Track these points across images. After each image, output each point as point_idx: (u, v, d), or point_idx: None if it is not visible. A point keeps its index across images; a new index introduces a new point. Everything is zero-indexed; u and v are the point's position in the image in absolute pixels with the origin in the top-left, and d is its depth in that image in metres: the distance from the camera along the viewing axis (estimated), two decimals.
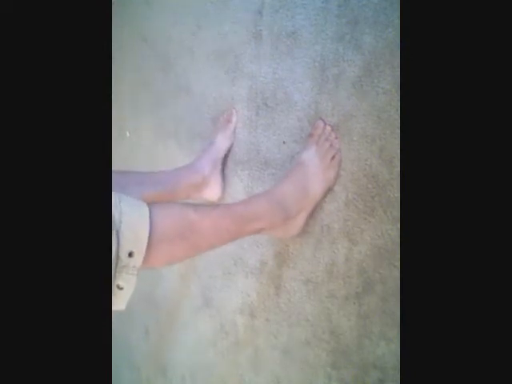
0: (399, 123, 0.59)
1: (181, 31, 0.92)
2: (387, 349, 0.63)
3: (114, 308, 0.46)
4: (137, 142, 1.10)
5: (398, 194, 0.60)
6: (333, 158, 0.66)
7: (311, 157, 0.66)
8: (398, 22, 0.57)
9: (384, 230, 0.62)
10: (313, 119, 0.69)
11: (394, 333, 0.62)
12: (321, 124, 0.67)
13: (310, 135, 0.68)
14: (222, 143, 0.81)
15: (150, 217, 0.46)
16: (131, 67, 1.09)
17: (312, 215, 0.70)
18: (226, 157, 0.83)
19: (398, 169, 0.60)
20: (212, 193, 0.81)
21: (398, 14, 0.57)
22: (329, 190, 0.68)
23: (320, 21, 0.66)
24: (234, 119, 0.81)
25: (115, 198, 0.44)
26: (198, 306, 0.96)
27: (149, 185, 0.68)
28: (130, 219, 0.44)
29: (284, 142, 0.73)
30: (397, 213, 0.60)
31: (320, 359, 0.72)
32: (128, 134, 1.13)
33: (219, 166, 0.81)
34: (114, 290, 0.45)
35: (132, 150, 1.12)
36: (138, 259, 0.45)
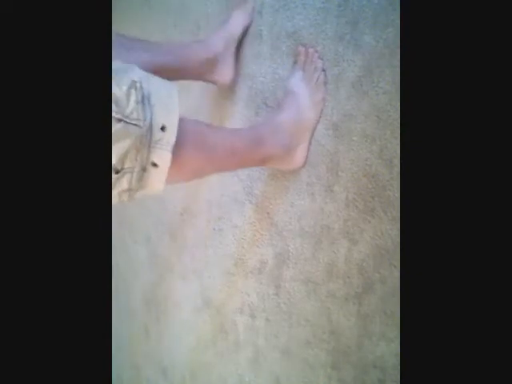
0: (399, 123, 0.59)
1: (181, 31, 0.93)
2: (387, 349, 0.63)
3: (152, 190, 0.46)
4: None
5: (397, 194, 0.60)
6: (317, 79, 0.66)
7: (298, 83, 0.67)
8: (398, 22, 0.57)
9: (384, 230, 0.62)
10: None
11: (394, 333, 0.62)
12: (302, 49, 0.67)
13: (294, 62, 0.68)
14: (238, 21, 0.75)
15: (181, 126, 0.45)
16: None
17: (312, 143, 0.70)
18: (242, 37, 0.77)
19: (397, 169, 0.60)
20: (223, 74, 0.75)
21: (398, 14, 0.57)
22: (321, 112, 0.68)
23: (320, 21, 0.66)
24: None
25: (139, 72, 0.44)
26: (198, 306, 0.96)
27: (157, 53, 0.64)
28: (159, 93, 0.43)
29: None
30: (397, 213, 0.60)
31: (320, 359, 0.72)
32: None
33: (233, 46, 0.75)
34: (150, 168, 0.44)
35: None
36: (170, 134, 0.44)
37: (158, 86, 0.45)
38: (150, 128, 0.43)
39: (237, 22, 0.75)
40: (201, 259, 0.94)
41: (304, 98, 0.66)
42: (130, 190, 0.44)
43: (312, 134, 0.69)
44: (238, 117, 0.81)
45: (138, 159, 0.43)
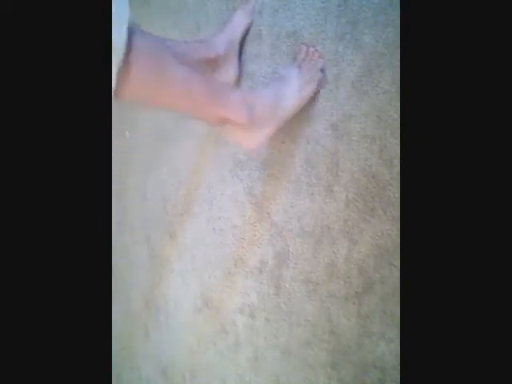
0: (399, 123, 0.59)
1: (181, 31, 0.92)
2: (387, 349, 0.63)
3: None
4: (137, 142, 1.10)
5: (397, 194, 0.60)
6: (312, 77, 0.66)
7: (291, 74, 0.66)
8: (398, 21, 0.57)
9: (384, 230, 0.62)
10: (312, 119, 0.69)
11: (394, 333, 0.62)
12: (303, 47, 0.67)
13: (294, 58, 0.68)
14: (239, 21, 0.75)
15: (132, 40, 0.46)
16: None
17: (276, 135, 0.68)
18: (244, 37, 0.76)
19: (397, 169, 0.60)
20: (227, 74, 0.75)
21: (397, 13, 0.57)
22: (298, 108, 0.67)
23: (320, 21, 0.66)
24: None
25: None
26: (198, 306, 0.96)
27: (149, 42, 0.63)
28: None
29: (283, 142, 0.73)
30: (397, 213, 0.60)
31: (320, 359, 0.72)
32: (128, 134, 1.13)
33: (236, 46, 0.75)
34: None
35: (132, 150, 1.12)
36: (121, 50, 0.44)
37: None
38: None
39: (238, 22, 0.75)
40: (201, 259, 0.94)
41: (290, 89, 0.66)
42: None
43: (280, 125, 0.66)
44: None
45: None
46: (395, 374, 0.63)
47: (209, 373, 0.97)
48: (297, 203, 0.73)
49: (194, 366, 1.02)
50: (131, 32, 0.46)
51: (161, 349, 1.12)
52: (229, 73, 0.75)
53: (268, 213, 0.78)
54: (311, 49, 0.67)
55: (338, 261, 0.68)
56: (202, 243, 0.94)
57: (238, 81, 0.77)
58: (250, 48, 0.77)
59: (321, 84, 0.67)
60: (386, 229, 0.62)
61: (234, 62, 0.75)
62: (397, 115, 0.59)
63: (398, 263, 0.61)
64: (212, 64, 0.71)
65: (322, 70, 0.66)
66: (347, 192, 0.66)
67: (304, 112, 0.70)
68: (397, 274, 0.61)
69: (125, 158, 1.14)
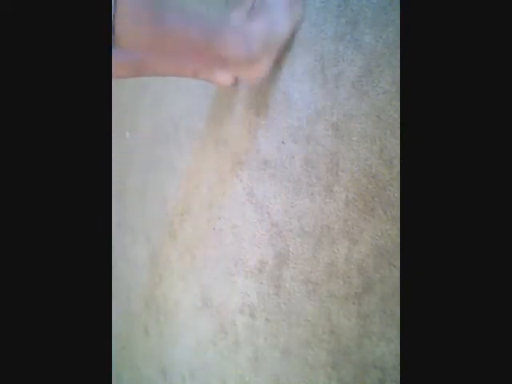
0: (399, 123, 0.59)
1: None
2: (387, 349, 0.63)
3: None
4: (137, 142, 1.10)
5: (398, 194, 0.60)
6: None
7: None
8: (398, 21, 0.57)
9: (384, 230, 0.62)
10: (312, 119, 0.69)
11: (394, 333, 0.62)
12: None
13: None
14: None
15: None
16: None
17: (277, 60, 0.69)
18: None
19: (398, 169, 0.60)
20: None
21: (397, 13, 0.57)
22: (294, 28, 0.67)
23: (319, 21, 0.66)
24: None
25: None
26: (198, 306, 0.96)
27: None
28: None
29: (283, 143, 0.73)
30: (397, 213, 0.60)
31: (320, 359, 0.72)
32: (128, 135, 1.13)
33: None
34: None
35: (132, 150, 1.12)
36: None
37: None
38: None
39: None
40: (201, 259, 0.94)
41: (278, 12, 0.65)
42: None
43: (280, 50, 0.67)
44: (238, 117, 0.81)
45: None
46: (395, 374, 0.63)
47: (209, 372, 0.97)
48: (297, 203, 0.73)
49: (194, 365, 1.02)
50: None
51: (161, 349, 1.12)
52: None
53: (268, 213, 0.78)
54: None
55: (337, 261, 0.68)
56: (202, 243, 0.94)
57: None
58: None
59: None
60: (386, 229, 0.62)
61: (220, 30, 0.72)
62: (397, 115, 0.59)
63: (397, 263, 0.61)
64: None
65: None
66: (347, 192, 0.66)
67: (304, 112, 0.70)
68: (397, 273, 0.61)
69: (125, 158, 1.14)
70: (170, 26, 0.53)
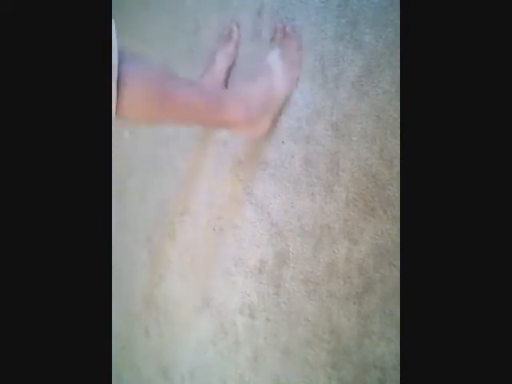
0: (399, 123, 0.59)
1: (180, 32, 0.92)
2: (387, 349, 0.63)
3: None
4: (137, 143, 1.10)
5: (398, 194, 0.60)
6: (294, 57, 0.68)
7: (275, 59, 0.68)
8: (397, 21, 0.57)
9: (384, 230, 0.62)
10: (312, 119, 0.69)
11: (394, 333, 0.62)
12: (279, 26, 0.69)
13: (271, 39, 0.70)
14: (222, 61, 0.77)
15: (125, 68, 0.48)
16: None
17: (277, 119, 0.72)
18: (228, 76, 0.78)
19: (397, 168, 0.60)
20: (223, 113, 0.74)
21: (397, 13, 0.57)
22: (291, 90, 0.69)
23: (319, 21, 0.66)
24: (236, 36, 0.77)
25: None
26: (198, 306, 0.96)
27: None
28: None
29: (283, 143, 0.73)
30: (397, 212, 0.60)
31: (320, 359, 0.72)
32: (127, 135, 1.13)
33: (220, 86, 0.77)
34: None
35: (132, 151, 1.12)
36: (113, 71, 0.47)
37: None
38: None
39: (222, 64, 0.77)
40: (201, 259, 0.94)
41: (278, 74, 0.67)
42: None
43: (279, 110, 0.70)
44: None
45: None
46: (395, 374, 0.63)
47: (209, 372, 0.97)
48: (297, 203, 0.73)
49: (194, 365, 1.02)
50: (122, 57, 0.49)
51: (161, 349, 1.12)
52: (226, 110, 0.74)
53: (268, 213, 0.78)
54: (288, 27, 0.68)
55: (338, 260, 0.68)
56: (202, 243, 0.94)
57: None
58: (249, 48, 0.77)
59: (302, 62, 0.68)
60: (386, 228, 0.62)
61: (225, 99, 0.73)
62: (397, 115, 0.59)
63: (397, 263, 0.61)
64: (205, 102, 0.72)
65: (301, 48, 0.68)
66: (347, 192, 0.66)
67: (304, 112, 0.70)
68: (397, 273, 0.61)
69: (125, 158, 1.14)
70: (177, 101, 0.57)
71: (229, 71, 0.78)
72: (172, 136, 0.98)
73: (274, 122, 0.72)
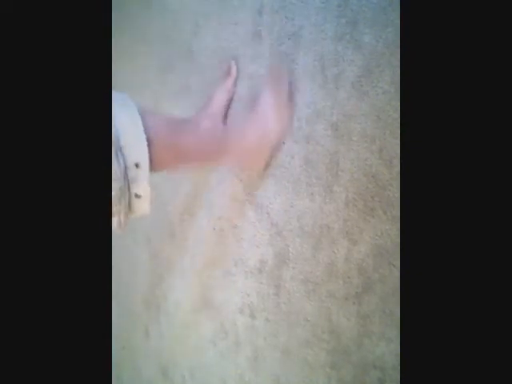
0: (399, 123, 0.59)
1: (180, 31, 0.92)
2: (387, 349, 0.63)
3: (139, 214, 0.53)
4: None
5: (397, 194, 0.60)
6: (281, 99, 0.69)
7: (264, 98, 0.70)
8: (397, 21, 0.57)
9: (384, 230, 0.62)
10: (312, 119, 0.69)
11: (394, 333, 0.62)
12: (273, 66, 0.71)
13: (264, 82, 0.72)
14: (220, 97, 0.78)
15: (147, 131, 0.50)
16: (131, 67, 1.09)
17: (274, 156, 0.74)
18: (227, 110, 0.79)
19: (397, 169, 0.60)
20: (219, 146, 0.76)
21: (397, 13, 0.57)
22: (285, 131, 0.71)
23: (319, 21, 0.66)
24: (234, 72, 0.78)
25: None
26: (198, 306, 0.96)
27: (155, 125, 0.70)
28: (126, 132, 0.47)
29: (283, 143, 0.73)
30: (396, 212, 0.60)
31: (319, 359, 0.72)
32: None
33: (221, 121, 0.77)
34: (133, 199, 0.50)
35: None
36: (145, 168, 0.49)
37: (123, 124, 0.48)
38: (125, 172, 0.46)
39: (220, 99, 0.78)
40: (201, 259, 0.94)
41: (270, 115, 0.69)
42: (119, 224, 0.51)
43: (274, 150, 0.72)
44: (237, 117, 0.81)
45: (122, 202, 0.48)
46: (395, 374, 0.63)
47: (208, 372, 0.97)
48: (296, 203, 0.73)
49: (194, 365, 1.02)
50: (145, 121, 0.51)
51: (161, 349, 1.12)
52: (220, 143, 0.77)
53: (268, 213, 0.78)
54: (275, 65, 0.71)
55: (337, 261, 0.68)
56: (202, 243, 0.94)
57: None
58: (249, 48, 0.77)
59: (292, 99, 0.70)
60: (386, 229, 0.62)
61: (223, 134, 0.75)
62: (396, 115, 0.59)
63: (397, 263, 0.61)
64: (203, 138, 0.75)
65: (291, 83, 0.69)
66: (347, 192, 0.66)
67: (304, 112, 0.70)
68: (396, 273, 0.61)
69: None
70: (188, 150, 0.61)
71: (228, 106, 0.79)
72: None
73: (267, 162, 0.74)
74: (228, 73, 0.79)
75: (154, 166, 0.52)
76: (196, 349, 1.00)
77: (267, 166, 0.75)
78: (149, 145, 0.50)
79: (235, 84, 0.79)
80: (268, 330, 0.81)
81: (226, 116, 0.79)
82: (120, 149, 0.46)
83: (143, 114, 0.52)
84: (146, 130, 0.50)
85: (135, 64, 1.07)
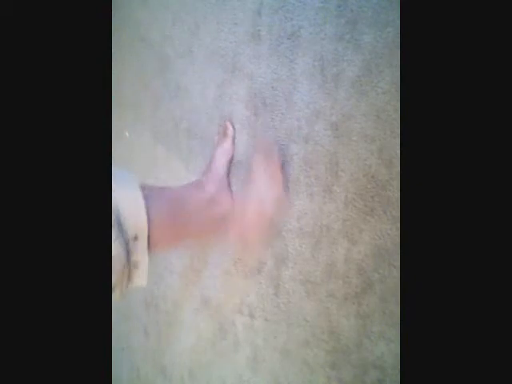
0: (399, 123, 0.59)
1: (180, 31, 0.92)
2: (386, 349, 0.63)
3: (136, 284, 0.53)
4: (136, 142, 1.10)
5: (397, 194, 0.60)
6: (277, 167, 0.71)
7: (258, 173, 0.72)
8: (397, 21, 0.57)
9: (383, 230, 0.62)
10: (311, 119, 0.69)
11: (394, 333, 0.62)
12: (260, 141, 0.74)
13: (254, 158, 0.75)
14: (221, 158, 0.81)
15: (147, 206, 0.51)
16: (130, 67, 1.09)
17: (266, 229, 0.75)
18: (229, 169, 0.82)
19: (397, 169, 0.60)
20: (222, 207, 0.81)
21: (397, 13, 0.57)
22: (280, 202, 0.73)
23: (319, 21, 0.66)
24: (230, 132, 0.81)
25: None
26: (198, 306, 0.96)
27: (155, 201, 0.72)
28: (126, 207, 0.48)
29: (282, 143, 0.73)
30: (396, 213, 0.60)
31: (319, 359, 0.72)
32: (127, 134, 1.13)
33: (225, 182, 0.81)
34: (131, 268, 0.51)
35: (131, 150, 1.12)
36: (143, 240, 0.50)
37: (124, 200, 0.49)
38: (126, 246, 0.47)
39: (221, 161, 0.81)
40: (200, 259, 0.94)
41: (262, 187, 0.71)
42: (121, 293, 0.52)
43: (269, 220, 0.73)
44: (237, 117, 0.81)
45: (125, 273, 0.50)
46: (395, 374, 0.63)
47: (208, 372, 0.97)
48: (296, 203, 0.73)
49: (193, 365, 1.02)
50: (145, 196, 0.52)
51: (160, 349, 1.12)
52: (223, 206, 0.80)
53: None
54: (263, 139, 0.74)
55: (337, 261, 0.68)
56: (202, 243, 0.94)
57: (232, 209, 0.84)
58: (248, 48, 0.77)
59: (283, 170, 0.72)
60: (386, 229, 0.62)
61: (227, 195, 0.80)
62: (396, 115, 0.59)
63: (397, 263, 0.61)
64: (208, 202, 0.78)
65: (280, 153, 0.71)
66: (346, 192, 0.66)
67: (303, 112, 0.70)
68: (396, 273, 0.61)
69: (125, 158, 1.14)
70: (189, 228, 0.62)
71: (229, 165, 0.82)
72: (172, 136, 0.98)
73: (264, 234, 0.76)
74: (225, 134, 0.82)
75: (152, 244, 0.53)
76: (195, 349, 0.99)
77: (263, 237, 0.76)
78: (149, 222, 0.51)
79: (233, 143, 0.82)
80: (267, 330, 0.81)
81: (228, 174, 0.82)
82: (119, 223, 0.47)
83: (144, 191, 0.52)
84: (147, 209, 0.51)
85: (135, 64, 1.07)
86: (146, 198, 0.52)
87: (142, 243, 0.51)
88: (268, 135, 0.76)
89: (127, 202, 0.49)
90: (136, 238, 0.50)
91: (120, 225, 0.47)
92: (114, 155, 1.06)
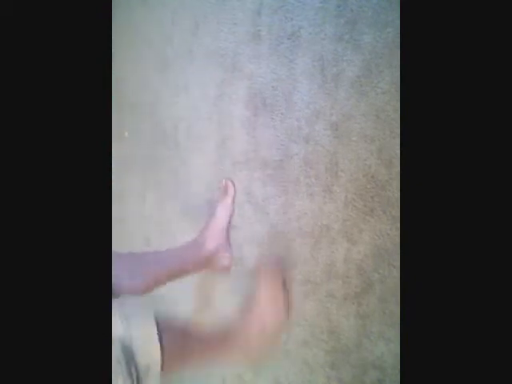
0: (398, 123, 0.59)
1: (180, 31, 0.93)
2: (386, 348, 0.63)
3: None
4: (136, 143, 1.10)
5: (397, 194, 0.60)
6: (281, 288, 0.73)
7: (262, 294, 0.72)
8: (397, 21, 0.57)
9: (383, 230, 0.62)
10: (311, 119, 0.69)
11: (393, 333, 0.62)
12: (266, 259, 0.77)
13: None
14: (222, 215, 0.84)
15: (160, 340, 0.50)
16: (131, 67, 1.09)
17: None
18: (229, 225, 0.85)
19: (397, 169, 0.60)
20: (221, 264, 0.84)
21: (397, 13, 0.57)
22: (283, 322, 0.73)
23: (319, 21, 0.66)
24: (231, 191, 0.84)
25: (124, 319, 0.48)
26: (198, 306, 0.96)
27: (164, 263, 0.75)
28: (140, 337, 0.48)
29: (282, 143, 0.73)
30: (396, 213, 0.60)
31: (319, 359, 0.72)
32: (127, 135, 1.13)
33: (224, 237, 0.84)
34: None
35: (131, 150, 1.12)
36: (155, 370, 0.50)
37: (139, 339, 0.49)
38: (137, 375, 0.47)
39: (221, 216, 0.85)
40: None
41: (268, 310, 0.71)
42: None
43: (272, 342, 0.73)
44: (237, 117, 0.81)
45: None
46: (395, 374, 0.63)
47: (208, 372, 0.97)
48: (296, 203, 0.73)
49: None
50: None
51: None
52: (223, 263, 0.85)
53: (267, 213, 0.78)
54: (267, 259, 0.77)
55: (337, 261, 0.68)
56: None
57: (231, 265, 0.86)
58: (248, 48, 0.77)
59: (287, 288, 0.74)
60: (386, 229, 0.62)
61: (226, 252, 0.84)
62: (396, 115, 0.59)
63: (397, 263, 0.61)
64: (208, 259, 0.82)
65: (284, 270, 0.74)
66: (346, 192, 0.66)
67: (303, 112, 0.70)
68: (396, 274, 0.61)
69: (125, 158, 1.14)
70: (199, 353, 0.61)
71: (229, 221, 0.85)
72: (172, 136, 0.98)
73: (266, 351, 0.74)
74: (225, 192, 0.85)
75: (163, 368, 0.52)
76: None
77: (265, 353, 0.75)
78: (162, 351, 0.50)
79: (233, 201, 0.84)
80: None
81: (228, 229, 0.85)
82: (132, 356, 0.47)
83: (159, 321, 0.52)
84: (160, 339, 0.51)
85: (135, 64, 1.07)
86: (160, 331, 0.51)
87: (154, 371, 0.50)
88: (268, 135, 0.76)
89: (142, 340, 0.49)
90: (148, 366, 0.49)
91: (133, 361, 0.47)
92: (114, 155, 1.06)
